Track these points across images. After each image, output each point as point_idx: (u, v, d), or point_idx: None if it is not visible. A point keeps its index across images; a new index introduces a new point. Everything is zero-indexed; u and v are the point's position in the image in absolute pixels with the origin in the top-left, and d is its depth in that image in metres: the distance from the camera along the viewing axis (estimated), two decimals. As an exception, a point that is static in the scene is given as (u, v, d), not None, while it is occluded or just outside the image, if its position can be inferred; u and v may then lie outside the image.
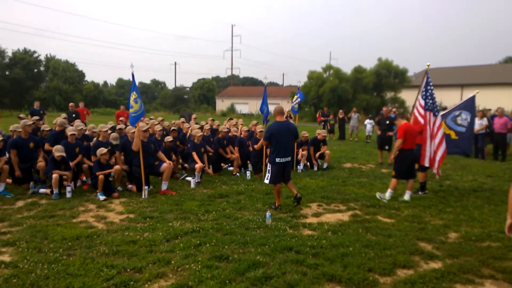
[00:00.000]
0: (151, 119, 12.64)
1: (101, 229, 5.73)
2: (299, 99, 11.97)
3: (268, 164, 7.01)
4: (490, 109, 17.78)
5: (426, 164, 8.08)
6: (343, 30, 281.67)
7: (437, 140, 8.01)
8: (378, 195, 7.84)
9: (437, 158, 8.03)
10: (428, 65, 8.14)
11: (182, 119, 13.34)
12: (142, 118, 7.96)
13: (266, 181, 7.01)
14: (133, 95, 7.71)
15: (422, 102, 8.06)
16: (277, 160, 6.88)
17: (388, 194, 7.71)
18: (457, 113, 8.88)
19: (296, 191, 7.17)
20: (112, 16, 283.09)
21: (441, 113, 9.31)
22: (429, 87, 8.06)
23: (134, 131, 8.43)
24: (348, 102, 37.71)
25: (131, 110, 7.77)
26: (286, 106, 50.47)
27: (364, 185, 9.24)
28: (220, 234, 5.54)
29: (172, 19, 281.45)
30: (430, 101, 8.00)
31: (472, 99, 8.98)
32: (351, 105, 34.39)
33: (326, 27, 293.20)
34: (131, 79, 7.77)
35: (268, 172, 6.96)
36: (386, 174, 10.74)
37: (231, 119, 13.72)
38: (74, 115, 14.90)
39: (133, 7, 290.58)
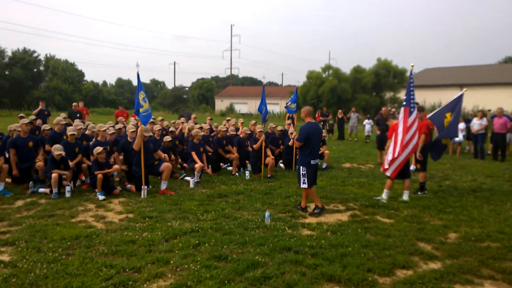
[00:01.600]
0: (152, 119, 12.62)
1: (100, 228, 5.72)
2: (290, 103, 11.66)
3: (301, 167, 6.66)
4: (490, 110, 17.80)
5: (389, 157, 7.56)
6: (342, 30, 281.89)
7: (408, 135, 7.44)
8: (375, 198, 7.80)
9: (398, 161, 7.44)
10: (412, 66, 8.03)
11: (182, 119, 13.32)
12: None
13: (304, 185, 6.65)
14: (141, 95, 7.69)
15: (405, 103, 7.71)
16: (312, 162, 6.67)
17: (384, 194, 7.70)
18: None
19: (306, 204, 6.96)
20: (112, 16, 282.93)
21: (434, 112, 9.24)
22: (411, 86, 7.70)
23: (134, 131, 8.45)
24: (347, 102, 37.73)
25: (141, 110, 7.67)
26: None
27: (363, 185, 9.24)
28: (219, 234, 5.54)
29: (171, 19, 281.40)
30: (408, 101, 7.58)
31: (461, 99, 8.82)
32: (350, 105, 34.41)
33: (325, 27, 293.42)
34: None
35: (303, 176, 6.64)
36: (385, 174, 10.71)
37: (230, 119, 13.67)
38: (78, 115, 14.90)
39: (132, 7, 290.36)
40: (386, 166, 7.61)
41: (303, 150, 6.70)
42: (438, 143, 8.95)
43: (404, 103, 7.62)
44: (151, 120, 11.98)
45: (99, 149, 7.74)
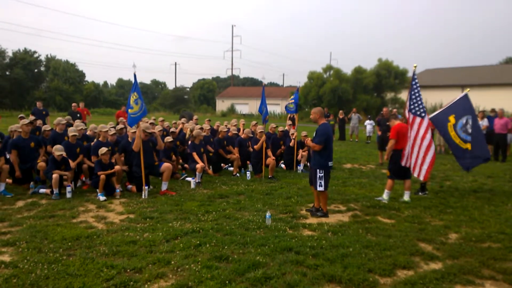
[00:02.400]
0: (153, 119, 12.64)
1: (101, 229, 5.73)
2: (292, 101, 11.65)
3: (319, 170, 6.46)
4: (484, 111, 17.77)
5: (403, 163, 7.62)
6: (343, 31, 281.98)
7: (425, 143, 7.45)
8: (376, 199, 7.79)
9: (426, 162, 7.47)
10: (415, 66, 7.97)
11: (183, 120, 13.34)
12: (142, 119, 7.91)
13: (321, 188, 6.46)
14: (134, 96, 7.61)
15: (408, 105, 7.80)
16: (330, 164, 6.57)
17: (385, 195, 7.70)
18: (464, 121, 8.50)
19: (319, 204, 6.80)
20: (113, 16, 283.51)
21: (435, 113, 9.17)
22: (413, 89, 7.74)
23: (135, 131, 8.45)
24: (348, 102, 37.73)
25: (130, 111, 7.63)
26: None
27: (364, 185, 9.23)
28: (220, 234, 5.54)
29: (173, 20, 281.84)
30: (414, 103, 7.64)
31: (466, 99, 8.72)
32: (351, 105, 34.39)
33: (326, 28, 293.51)
34: (131, 79, 7.77)
35: (320, 179, 6.46)
36: (386, 174, 10.71)
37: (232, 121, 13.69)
38: (78, 115, 14.90)
39: (133, 7, 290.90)
40: (405, 164, 7.62)
41: (321, 152, 6.50)
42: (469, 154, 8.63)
43: (409, 108, 7.62)
44: (152, 120, 12.03)
45: (103, 149, 7.74)
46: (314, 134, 6.61)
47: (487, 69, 44.72)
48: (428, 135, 7.51)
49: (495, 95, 33.62)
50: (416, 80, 7.79)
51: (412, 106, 7.69)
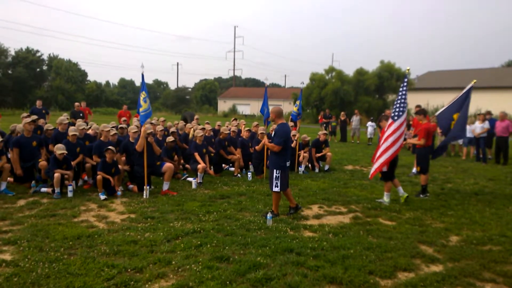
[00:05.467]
0: (153, 120, 12.64)
1: (102, 228, 5.73)
2: (296, 107, 11.57)
3: (276, 170, 6.35)
4: (479, 114, 17.69)
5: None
6: (345, 33, 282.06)
7: (386, 144, 7.42)
8: (377, 201, 7.79)
9: (380, 161, 7.46)
10: (408, 69, 8.02)
11: (183, 122, 13.35)
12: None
13: (277, 189, 6.38)
14: (143, 95, 7.87)
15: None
16: (287, 164, 6.48)
17: (386, 197, 7.69)
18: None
19: (277, 210, 6.67)
20: (115, 16, 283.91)
21: (438, 112, 9.18)
22: (401, 92, 7.69)
23: (136, 131, 8.46)
24: (350, 104, 37.73)
25: (141, 109, 7.88)
26: (288, 107, 50.47)
27: (366, 187, 9.22)
28: (221, 235, 5.54)
29: (175, 20, 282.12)
30: (400, 103, 7.60)
31: (467, 93, 8.88)
32: (353, 107, 34.39)
33: (329, 30, 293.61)
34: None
35: (277, 179, 6.34)
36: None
37: (236, 119, 13.70)
38: (81, 115, 14.91)
39: (135, 7, 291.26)
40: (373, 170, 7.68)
41: (279, 153, 6.36)
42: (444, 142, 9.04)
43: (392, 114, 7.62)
44: (153, 121, 12.05)
45: (109, 148, 7.81)
46: (273, 134, 6.48)
47: (490, 71, 44.62)
48: (391, 139, 7.38)
49: (497, 98, 33.56)
50: (405, 84, 7.73)
51: (395, 110, 7.65)
